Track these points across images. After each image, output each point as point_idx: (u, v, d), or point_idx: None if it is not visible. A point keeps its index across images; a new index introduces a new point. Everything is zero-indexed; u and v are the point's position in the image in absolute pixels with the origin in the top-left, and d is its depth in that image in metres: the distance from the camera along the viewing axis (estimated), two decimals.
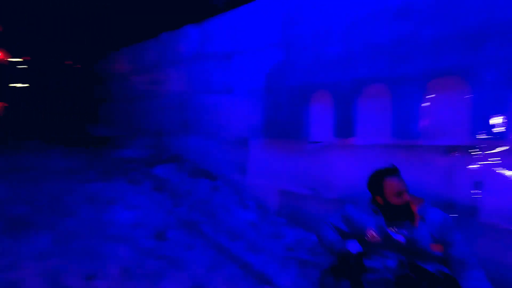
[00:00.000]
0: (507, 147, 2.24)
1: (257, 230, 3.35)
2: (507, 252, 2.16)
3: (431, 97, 2.57)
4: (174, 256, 2.73)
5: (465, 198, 2.38)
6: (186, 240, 3.04)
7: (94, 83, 8.46)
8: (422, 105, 2.60)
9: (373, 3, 2.83)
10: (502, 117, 2.24)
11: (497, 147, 2.28)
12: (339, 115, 3.03)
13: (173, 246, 2.91)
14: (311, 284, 2.49)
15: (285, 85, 3.46)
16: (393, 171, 1.85)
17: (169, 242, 2.97)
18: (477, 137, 2.34)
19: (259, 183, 3.71)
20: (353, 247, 1.89)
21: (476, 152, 2.37)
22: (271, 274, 2.58)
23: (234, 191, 3.99)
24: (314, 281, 2.50)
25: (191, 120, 5.00)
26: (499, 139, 2.25)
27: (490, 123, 2.29)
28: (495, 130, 2.26)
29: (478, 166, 2.35)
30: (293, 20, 3.47)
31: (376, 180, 1.88)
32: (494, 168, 2.29)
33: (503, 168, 2.26)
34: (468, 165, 2.40)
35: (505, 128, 2.22)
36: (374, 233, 1.83)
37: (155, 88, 5.94)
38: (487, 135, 2.30)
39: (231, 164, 4.15)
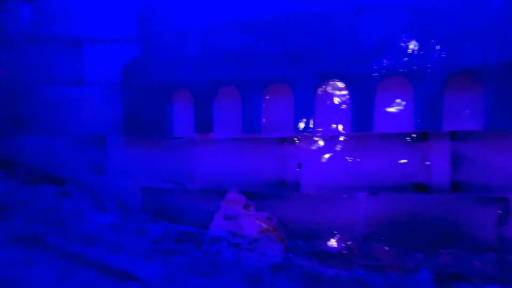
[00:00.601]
0: (316, 138, 3.14)
1: (118, 231, 3.33)
2: (317, 211, 3.07)
3: (269, 98, 3.27)
4: (6, 277, 2.44)
5: (292, 177, 3.19)
6: (22, 257, 2.73)
7: None
8: (263, 105, 3.27)
9: (224, 14, 3.28)
10: (311, 116, 3.12)
11: (309, 138, 3.17)
12: (199, 112, 3.37)
13: (3, 268, 2.57)
14: (174, 269, 2.73)
15: (146, 81, 3.52)
16: None
17: None
18: (298, 131, 3.15)
19: (119, 183, 3.65)
20: None
21: (297, 142, 3.21)
22: (135, 269, 2.68)
23: (89, 194, 3.76)
24: (178, 266, 2.77)
25: (28, 117, 4.27)
26: (311, 132, 3.12)
27: (305, 120, 3.14)
28: (308, 125, 3.12)
29: (299, 152, 3.19)
30: (149, 17, 3.55)
31: None
32: (308, 153, 3.18)
33: (314, 153, 3.16)
34: (293, 152, 3.21)
35: (313, 124, 3.10)
36: None
37: None
38: (304, 129, 3.14)
39: (84, 165, 3.87)
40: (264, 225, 3.20)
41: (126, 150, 3.68)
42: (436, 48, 2.82)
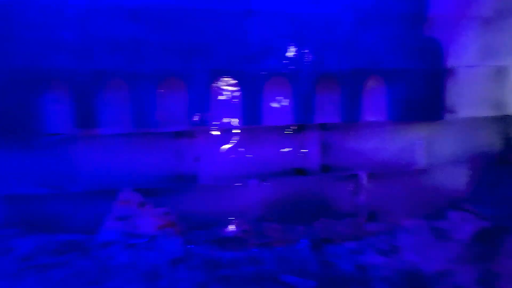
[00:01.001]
0: (211, 131, 3.28)
1: None
2: (215, 200, 3.24)
3: (163, 92, 3.20)
4: None
5: (190, 170, 3.26)
6: None
7: None
8: (157, 99, 3.17)
9: None
10: (206, 110, 3.24)
11: (206, 132, 3.29)
12: (81, 106, 2.99)
13: None
14: (54, 284, 2.46)
15: (5, 66, 2.85)
16: None
17: None
18: (193, 124, 3.22)
19: None
20: None
21: (193, 136, 3.28)
22: None
23: None
24: (58, 280, 2.49)
25: None
26: (206, 125, 3.25)
27: (201, 114, 3.24)
28: (204, 119, 3.23)
29: (196, 145, 3.27)
30: None
31: None
32: (204, 146, 3.30)
33: (209, 146, 3.31)
34: (190, 145, 3.26)
35: (208, 118, 3.24)
36: None
37: None
38: (199, 123, 3.23)
39: None
40: (163, 221, 3.16)
41: None
42: (308, 54, 3.38)
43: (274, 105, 3.42)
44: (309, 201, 3.39)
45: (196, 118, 3.22)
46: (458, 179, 3.73)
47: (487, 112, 3.81)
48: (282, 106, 3.43)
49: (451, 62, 3.62)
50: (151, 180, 3.15)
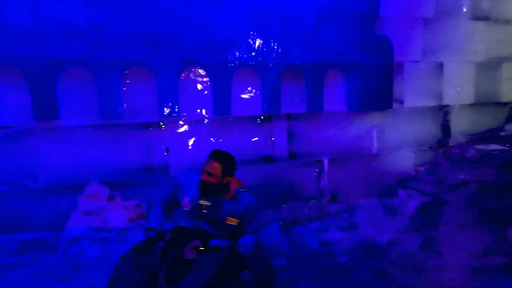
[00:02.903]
0: (181, 122, 3.29)
1: None
2: None
3: (129, 82, 3.11)
4: None
5: (160, 161, 3.23)
6: None
7: None
8: (123, 89, 3.08)
9: None
10: (175, 101, 3.22)
11: (175, 122, 3.28)
12: (38, 96, 2.78)
13: None
14: (19, 285, 2.35)
15: None
16: (213, 156, 2.02)
17: None
18: (163, 115, 3.19)
19: None
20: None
21: (163, 127, 3.26)
22: None
23: None
24: (24, 279, 2.39)
25: None
26: (176, 115, 3.24)
27: (169, 104, 3.21)
28: (174, 110, 3.22)
29: (166, 136, 3.25)
30: None
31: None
32: (175, 137, 3.30)
33: (180, 136, 3.31)
34: (160, 137, 3.24)
35: (178, 109, 3.23)
36: (187, 202, 2.00)
37: None
38: (169, 114, 3.21)
39: None
40: (134, 214, 3.12)
41: None
42: (274, 47, 3.52)
43: (243, 96, 3.52)
44: (277, 186, 3.58)
45: (166, 109, 3.19)
46: (404, 161, 4.22)
47: (428, 102, 4.34)
48: (251, 97, 3.55)
49: (399, 57, 4.03)
50: (120, 172, 3.07)
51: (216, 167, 2.01)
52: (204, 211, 2.00)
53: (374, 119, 4.05)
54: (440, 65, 4.32)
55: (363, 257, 2.81)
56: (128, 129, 3.11)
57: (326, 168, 3.78)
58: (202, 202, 1.99)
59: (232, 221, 2.03)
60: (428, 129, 4.35)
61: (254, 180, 3.45)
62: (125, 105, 3.08)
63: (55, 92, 2.84)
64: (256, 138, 3.58)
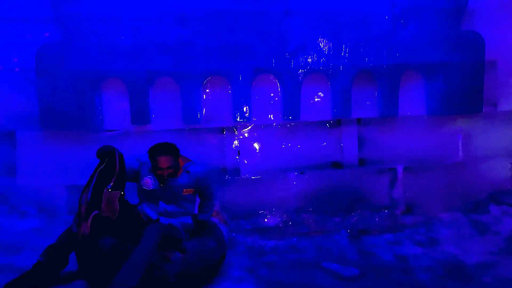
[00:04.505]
0: (252, 126, 3.47)
1: (47, 236, 3.00)
2: (255, 192, 3.41)
3: (208, 91, 3.41)
4: None
5: (232, 163, 3.46)
6: None
7: None
8: (203, 96, 3.39)
9: (157, 3, 3.20)
10: (248, 107, 3.41)
11: (247, 127, 3.47)
12: (135, 103, 3.25)
13: None
14: None
15: (67, 69, 3.15)
16: (162, 152, 2.25)
17: None
18: (236, 121, 3.41)
19: (39, 184, 3.23)
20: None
21: (236, 131, 3.48)
22: None
23: None
24: None
25: None
26: (248, 121, 3.43)
27: (242, 110, 3.41)
28: (246, 115, 3.41)
29: (238, 140, 3.47)
30: None
31: (150, 155, 2.29)
32: (246, 141, 3.49)
33: (251, 140, 3.49)
34: (232, 140, 3.47)
35: (250, 114, 3.40)
36: (149, 182, 2.29)
37: None
38: (241, 118, 3.41)
39: None
40: None
41: (44, 146, 3.27)
42: (346, 51, 3.46)
43: (313, 100, 3.55)
44: (346, 193, 3.49)
45: (238, 114, 3.40)
46: (498, 173, 3.70)
47: None
48: (321, 102, 3.55)
49: (492, 55, 3.57)
50: None
51: (168, 159, 2.25)
52: (156, 189, 2.32)
53: (459, 124, 3.66)
54: None
55: (448, 277, 2.55)
56: (206, 133, 3.41)
57: (400, 176, 3.55)
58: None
59: (188, 191, 2.36)
60: None
61: (321, 185, 3.46)
62: (204, 111, 3.39)
63: (148, 100, 3.28)
64: (325, 143, 3.56)
